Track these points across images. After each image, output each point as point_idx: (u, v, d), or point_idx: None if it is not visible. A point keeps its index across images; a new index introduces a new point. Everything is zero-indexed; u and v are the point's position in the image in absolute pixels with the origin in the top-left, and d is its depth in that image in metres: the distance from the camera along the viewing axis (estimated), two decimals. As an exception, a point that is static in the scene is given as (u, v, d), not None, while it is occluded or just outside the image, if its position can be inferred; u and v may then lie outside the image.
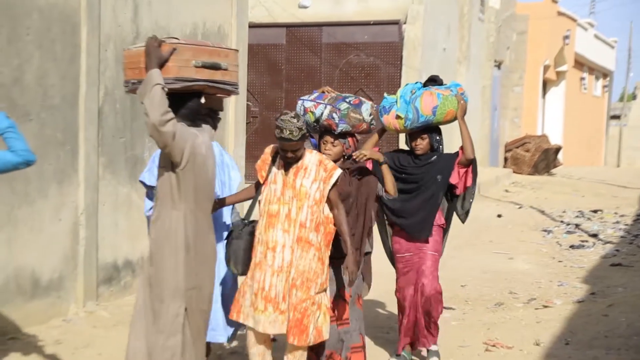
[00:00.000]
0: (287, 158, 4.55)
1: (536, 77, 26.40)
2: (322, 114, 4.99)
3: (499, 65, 22.34)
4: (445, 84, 5.63)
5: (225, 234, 4.96)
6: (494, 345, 6.33)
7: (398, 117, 5.44)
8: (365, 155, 4.98)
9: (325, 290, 4.64)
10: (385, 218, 5.72)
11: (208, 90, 4.22)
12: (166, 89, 3.90)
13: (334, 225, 4.66)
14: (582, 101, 31.27)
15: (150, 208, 4.74)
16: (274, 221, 4.55)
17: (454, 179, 5.54)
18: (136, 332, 4.12)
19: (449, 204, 5.72)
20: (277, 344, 5.20)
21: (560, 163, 23.95)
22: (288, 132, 4.42)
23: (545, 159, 22.69)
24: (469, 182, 5.59)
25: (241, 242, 4.70)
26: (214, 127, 4.41)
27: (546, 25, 25.72)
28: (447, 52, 17.22)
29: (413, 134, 5.56)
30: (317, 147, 5.12)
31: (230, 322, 5.01)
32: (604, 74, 34.98)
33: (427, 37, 15.47)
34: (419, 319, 5.57)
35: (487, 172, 19.30)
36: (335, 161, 4.94)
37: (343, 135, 5.01)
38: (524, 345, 6.34)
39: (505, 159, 23.10)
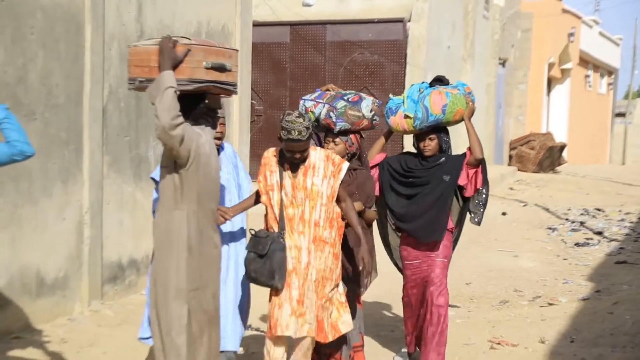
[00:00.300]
0: (295, 159, 4.47)
1: (541, 74, 26.36)
2: (320, 113, 5.01)
3: (503, 63, 22.31)
4: (451, 84, 5.54)
5: (240, 241, 4.86)
6: (499, 343, 6.33)
7: (407, 116, 5.33)
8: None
9: (337, 285, 4.63)
10: (392, 224, 5.62)
11: (213, 91, 4.21)
12: (178, 91, 3.88)
13: (342, 218, 4.61)
14: (587, 99, 31.21)
15: None
16: (292, 225, 4.50)
17: (462, 180, 5.39)
18: (153, 330, 4.15)
19: (460, 207, 5.53)
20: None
21: (565, 161, 23.91)
22: (297, 132, 4.34)
23: (550, 157, 22.65)
24: (479, 184, 5.42)
25: (284, 254, 4.46)
26: (214, 126, 4.38)
27: (551, 23, 25.68)
28: (452, 50, 17.20)
29: (420, 135, 5.41)
30: (320, 144, 5.12)
31: (240, 330, 4.92)
32: (609, 71, 34.91)
33: (431, 35, 15.46)
34: (425, 327, 5.39)
35: (492, 170, 19.08)
36: None
37: (344, 133, 5.00)
38: (529, 343, 6.33)
39: (510, 157, 23.08)
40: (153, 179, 4.96)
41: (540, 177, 21.26)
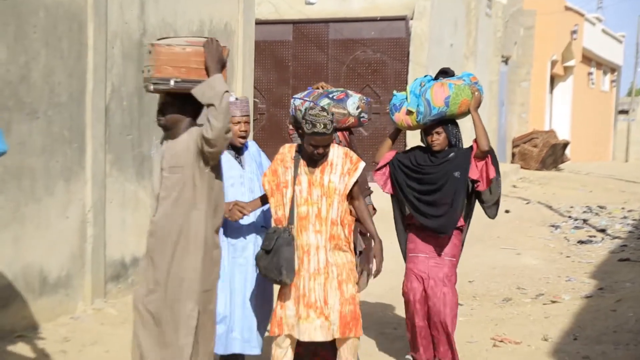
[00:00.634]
0: (318, 154, 4.41)
1: (544, 72, 26.32)
2: None
3: (506, 61, 22.28)
4: (457, 75, 5.40)
5: (259, 238, 4.80)
6: (501, 341, 6.33)
7: (409, 112, 5.20)
8: None
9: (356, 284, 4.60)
10: (404, 216, 5.49)
11: None
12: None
13: (353, 215, 4.59)
14: (589, 96, 31.18)
15: None
16: (304, 223, 4.44)
17: (474, 174, 5.25)
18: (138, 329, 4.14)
19: (467, 202, 5.40)
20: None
21: (568, 158, 23.89)
22: (322, 126, 4.30)
23: (552, 154, 22.64)
24: (492, 174, 5.28)
25: (291, 249, 4.41)
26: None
27: (553, 20, 25.64)
28: (454, 48, 17.18)
29: (427, 129, 5.24)
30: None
31: (262, 332, 4.88)
32: (612, 68, 34.86)
33: (434, 33, 15.45)
34: (434, 324, 5.29)
35: (495, 167, 19.25)
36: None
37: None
38: (532, 341, 6.33)
39: (513, 155, 23.06)
40: None
41: (543, 174, 21.24)
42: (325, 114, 4.34)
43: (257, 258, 4.51)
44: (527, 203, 15.54)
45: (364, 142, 12.89)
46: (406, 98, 5.29)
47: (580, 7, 28.90)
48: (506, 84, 22.56)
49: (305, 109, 4.43)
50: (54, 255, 6.32)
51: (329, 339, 4.45)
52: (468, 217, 5.48)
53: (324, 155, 4.45)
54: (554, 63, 27.13)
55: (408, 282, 5.37)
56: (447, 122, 5.26)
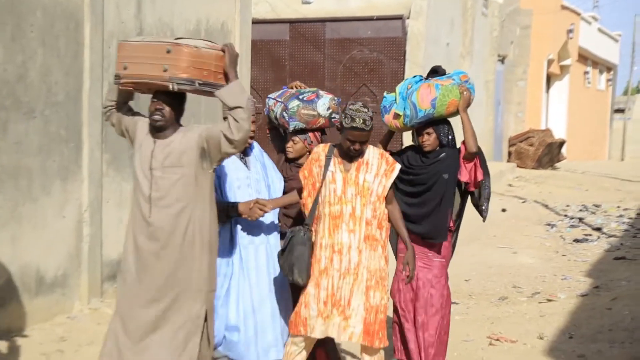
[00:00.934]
0: (354, 150, 4.37)
1: (540, 71, 26.37)
2: (276, 112, 5.00)
3: (502, 60, 22.31)
4: (448, 74, 5.31)
5: (272, 237, 4.74)
6: (497, 340, 6.34)
7: (397, 115, 5.13)
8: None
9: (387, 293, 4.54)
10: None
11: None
12: None
13: (389, 220, 4.54)
14: (586, 95, 31.23)
15: None
16: (337, 222, 4.38)
17: (463, 177, 5.17)
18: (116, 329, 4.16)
19: (459, 204, 5.30)
20: None
21: (564, 157, 23.93)
22: (361, 121, 4.27)
23: (549, 153, 22.67)
24: (480, 176, 5.18)
25: (305, 248, 4.40)
26: None
27: (550, 20, 25.68)
28: (451, 47, 17.20)
29: (418, 130, 5.15)
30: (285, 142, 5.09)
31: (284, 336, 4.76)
32: (608, 67, 34.92)
33: (430, 32, 15.46)
34: (418, 325, 5.15)
35: (491, 166, 18.96)
36: (299, 158, 4.94)
37: (303, 131, 4.97)
38: (527, 339, 6.35)
39: (509, 154, 23.09)
40: None
41: (540, 173, 21.28)
42: (365, 110, 4.32)
43: (277, 257, 4.54)
44: (524, 202, 15.58)
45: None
46: (395, 100, 5.23)
47: (576, 6, 29.00)
48: (502, 83, 22.59)
49: (346, 104, 4.43)
50: (51, 255, 6.32)
51: (342, 340, 4.38)
52: (459, 217, 5.37)
53: (360, 153, 4.42)
54: (550, 62, 27.18)
55: (395, 283, 5.29)
56: (439, 122, 5.19)
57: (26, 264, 6.07)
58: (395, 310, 5.33)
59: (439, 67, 5.39)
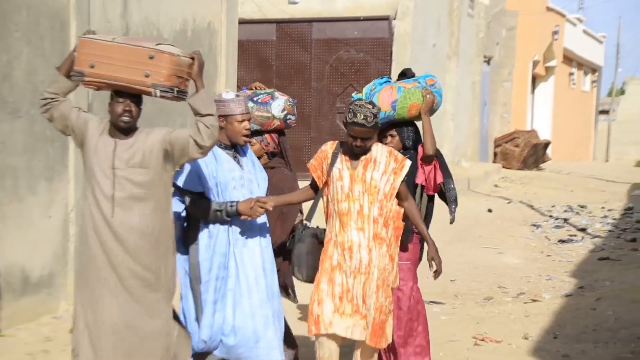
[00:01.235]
0: (356, 147, 4.33)
1: (525, 72, 26.48)
2: None
3: (488, 61, 22.40)
4: (416, 77, 5.32)
5: (265, 239, 4.61)
6: (483, 340, 6.37)
7: None
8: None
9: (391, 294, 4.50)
10: None
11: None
12: None
13: (404, 218, 4.49)
14: (571, 96, 31.37)
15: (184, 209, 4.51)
16: (345, 220, 4.34)
17: (419, 179, 5.07)
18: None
19: (427, 206, 5.20)
20: None
21: (549, 158, 24.04)
22: (362, 116, 4.23)
23: (534, 154, 22.78)
24: (439, 179, 5.11)
25: (304, 245, 4.43)
26: None
27: (535, 21, 25.80)
28: (437, 48, 17.25)
29: (381, 132, 5.07)
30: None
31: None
32: (593, 69, 35.10)
33: (416, 33, 15.50)
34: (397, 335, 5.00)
35: (477, 167, 19.37)
36: (257, 159, 4.91)
37: (259, 133, 4.95)
38: (512, 339, 6.38)
39: (495, 154, 23.18)
40: (177, 186, 4.48)
41: (525, 174, 21.36)
42: (370, 106, 4.29)
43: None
44: (509, 202, 15.63)
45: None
46: None
47: (561, 7, 29.12)
48: (488, 84, 22.68)
49: (353, 100, 4.41)
50: (36, 255, 6.29)
51: (363, 339, 4.34)
52: (426, 219, 5.23)
53: (364, 150, 4.39)
54: (535, 63, 27.30)
55: None
56: (402, 124, 5.17)
57: (11, 264, 6.05)
58: None
59: (409, 69, 5.41)
